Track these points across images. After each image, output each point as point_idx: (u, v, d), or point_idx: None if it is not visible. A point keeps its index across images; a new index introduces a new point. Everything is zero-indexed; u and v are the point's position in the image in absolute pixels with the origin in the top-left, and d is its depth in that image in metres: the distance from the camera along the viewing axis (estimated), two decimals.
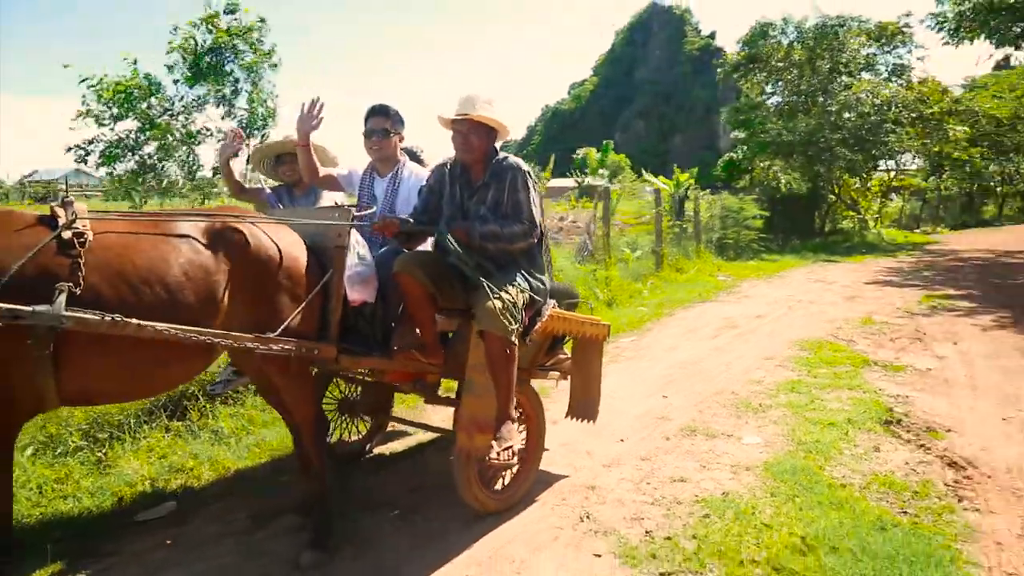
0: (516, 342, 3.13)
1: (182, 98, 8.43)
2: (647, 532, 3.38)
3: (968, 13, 17.69)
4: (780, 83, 23.75)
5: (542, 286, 3.37)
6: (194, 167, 8.54)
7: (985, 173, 30.44)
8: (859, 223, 23.26)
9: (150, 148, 8.46)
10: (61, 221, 2.40)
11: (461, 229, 3.18)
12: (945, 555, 3.12)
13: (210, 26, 8.09)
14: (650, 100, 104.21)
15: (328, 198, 4.24)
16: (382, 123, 3.80)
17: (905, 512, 3.59)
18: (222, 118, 8.49)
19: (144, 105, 8.30)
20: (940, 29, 19.21)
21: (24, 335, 2.22)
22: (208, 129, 8.57)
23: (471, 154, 3.31)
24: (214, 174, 8.65)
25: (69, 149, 8.49)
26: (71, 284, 2.29)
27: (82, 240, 2.38)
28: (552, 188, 31.64)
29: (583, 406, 4.13)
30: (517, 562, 3.10)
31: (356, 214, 3.11)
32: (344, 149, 4.35)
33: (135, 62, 8.08)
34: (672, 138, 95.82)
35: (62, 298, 2.24)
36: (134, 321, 2.35)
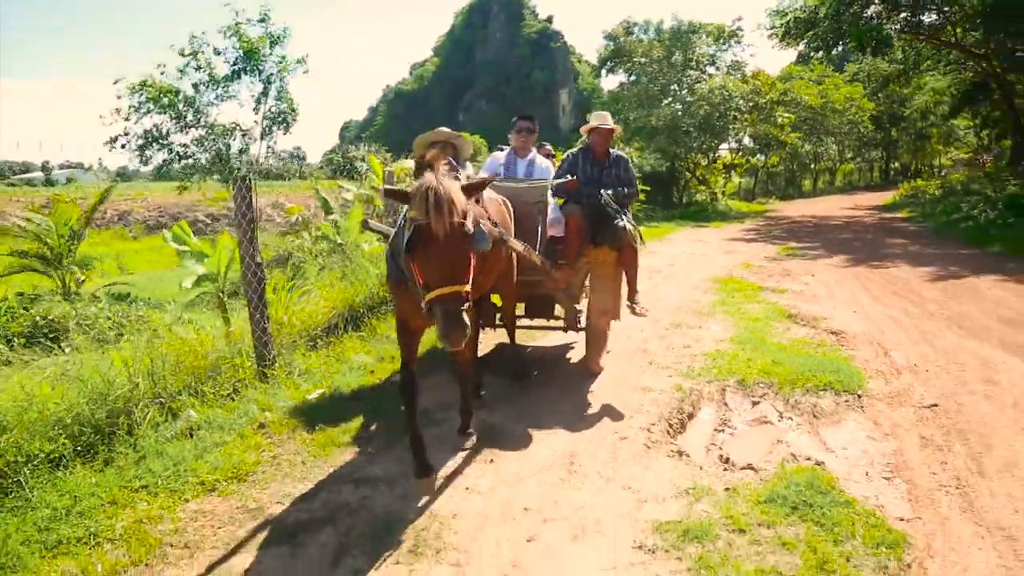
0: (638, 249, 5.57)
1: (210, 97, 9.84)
2: (688, 367, 5.92)
3: (791, 25, 21.92)
4: (641, 75, 27.26)
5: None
6: (226, 157, 9.98)
7: (802, 152, 36.10)
8: (710, 196, 27.42)
9: (183, 139, 9.85)
10: None
11: (611, 193, 5.48)
12: (844, 360, 5.93)
13: (237, 34, 9.55)
14: (492, 81, 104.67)
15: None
16: (528, 125, 5.91)
17: (817, 351, 6.37)
18: (254, 109, 9.97)
19: (172, 101, 9.67)
20: (771, 36, 23.40)
21: None
22: (236, 124, 10.06)
23: (604, 147, 5.64)
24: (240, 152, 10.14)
25: (107, 142, 9.73)
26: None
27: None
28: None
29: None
30: (634, 378, 5.56)
31: (553, 183, 5.39)
32: None
33: (180, 75, 9.52)
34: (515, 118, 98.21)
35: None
36: (511, 240, 4.42)
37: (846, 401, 5.08)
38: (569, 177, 5.43)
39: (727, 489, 3.70)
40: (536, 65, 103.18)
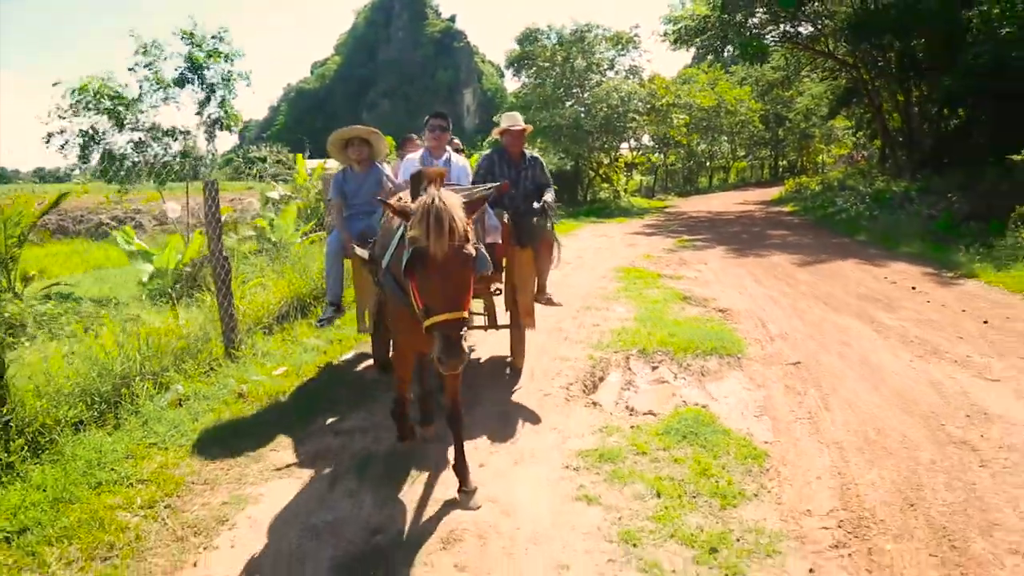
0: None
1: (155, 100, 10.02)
2: (598, 340, 6.85)
3: (682, 32, 23.69)
4: (546, 78, 28.45)
5: None
6: (168, 158, 10.17)
7: (697, 152, 38.34)
8: (613, 193, 28.90)
9: (120, 139, 10.01)
10: None
11: (551, 199, 6.05)
12: (729, 331, 7.01)
13: (189, 41, 9.82)
14: (395, 80, 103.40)
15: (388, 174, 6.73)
16: (441, 123, 5.69)
17: (707, 325, 7.43)
18: (196, 113, 10.24)
19: (112, 105, 9.83)
20: (664, 41, 25.13)
21: None
22: (176, 127, 10.30)
23: (517, 148, 6.05)
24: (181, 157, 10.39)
25: (44, 138, 9.77)
26: None
27: None
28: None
29: None
30: (553, 351, 6.44)
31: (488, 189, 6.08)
32: None
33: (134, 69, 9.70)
34: (419, 118, 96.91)
35: None
36: None
37: (728, 362, 6.11)
38: (502, 182, 5.81)
39: (632, 427, 4.61)
40: (440, 65, 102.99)
